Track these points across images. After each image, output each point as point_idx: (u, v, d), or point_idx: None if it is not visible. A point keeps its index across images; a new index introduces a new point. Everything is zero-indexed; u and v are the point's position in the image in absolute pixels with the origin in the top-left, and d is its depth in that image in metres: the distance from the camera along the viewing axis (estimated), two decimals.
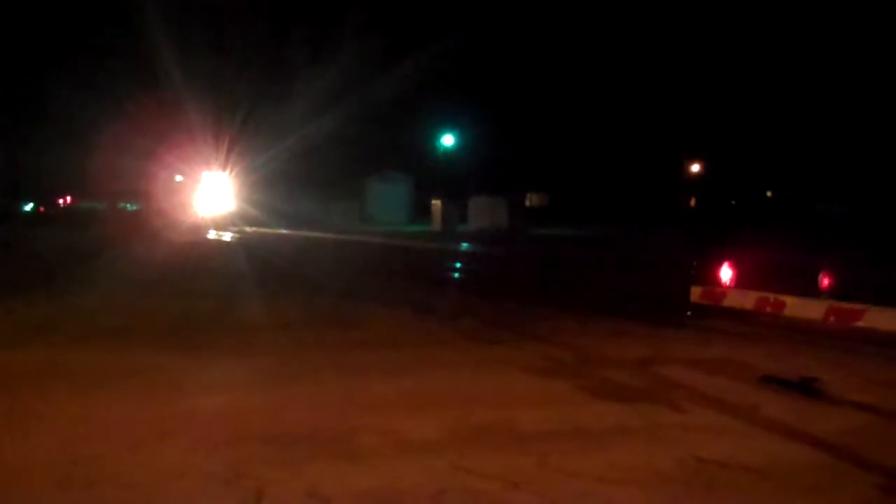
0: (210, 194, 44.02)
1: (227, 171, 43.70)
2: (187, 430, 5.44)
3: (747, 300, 9.49)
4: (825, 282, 9.10)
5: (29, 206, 66.99)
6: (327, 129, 41.29)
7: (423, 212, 48.43)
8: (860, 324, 8.14)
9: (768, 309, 9.26)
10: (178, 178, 51.24)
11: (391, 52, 40.58)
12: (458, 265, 21.46)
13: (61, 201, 69.85)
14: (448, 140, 47.49)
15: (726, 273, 9.96)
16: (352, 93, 41.08)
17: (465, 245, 29.20)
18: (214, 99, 40.68)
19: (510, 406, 6.18)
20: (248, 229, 40.14)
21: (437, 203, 44.86)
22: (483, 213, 45.82)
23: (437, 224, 43.87)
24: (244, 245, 28.58)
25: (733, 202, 47.16)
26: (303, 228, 40.17)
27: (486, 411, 5.98)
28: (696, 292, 10.13)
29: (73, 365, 7.52)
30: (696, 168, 51.93)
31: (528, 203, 51.21)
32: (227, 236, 34.02)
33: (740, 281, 9.87)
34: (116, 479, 4.54)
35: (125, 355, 8.02)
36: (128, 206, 60.51)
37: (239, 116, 40.66)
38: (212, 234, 34.95)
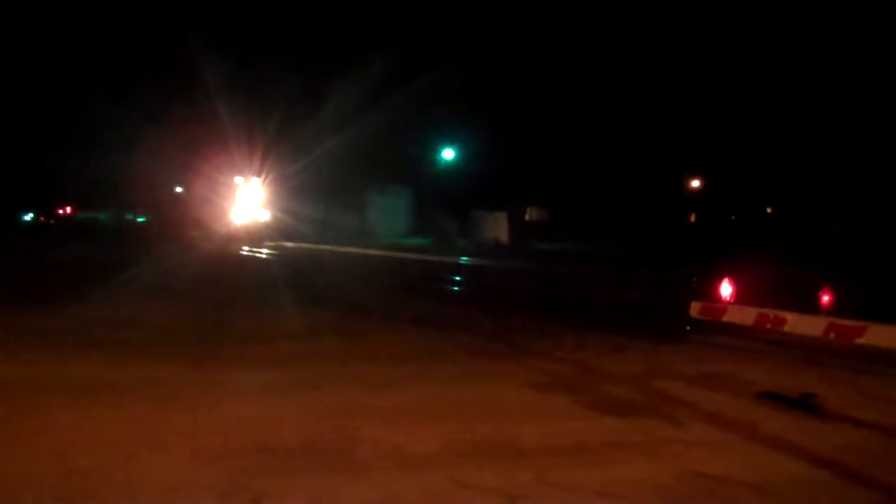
0: (240, 204, 43.43)
1: (260, 179, 43.13)
2: (185, 441, 5.42)
3: (747, 316, 9.46)
4: (825, 298, 9.08)
5: (28, 216, 66.96)
6: (337, 142, 41.36)
7: (423, 225, 48.49)
8: (861, 340, 8.11)
9: (768, 325, 9.23)
10: (178, 189, 51.12)
11: (395, 66, 40.65)
12: (458, 279, 21.44)
13: (60, 211, 69.85)
14: (448, 154, 47.64)
15: (726, 289, 9.95)
16: (359, 106, 41.14)
17: (465, 259, 29.17)
18: (244, 108, 40.48)
19: (509, 420, 6.16)
20: (288, 244, 36.89)
21: (437, 216, 44.98)
22: (483, 226, 45.78)
23: (437, 237, 43.90)
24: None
25: (733, 217, 47.30)
26: (307, 241, 39.87)
27: (485, 425, 5.97)
28: (696, 308, 10.11)
29: (73, 376, 7.51)
30: (696, 184, 52.09)
31: (528, 217, 51.31)
32: (264, 252, 31.97)
33: (740, 297, 9.86)
34: (113, 491, 4.53)
35: (125, 366, 8.00)
36: (137, 218, 60.12)
37: (270, 127, 40.43)
38: (245, 251, 32.60)
